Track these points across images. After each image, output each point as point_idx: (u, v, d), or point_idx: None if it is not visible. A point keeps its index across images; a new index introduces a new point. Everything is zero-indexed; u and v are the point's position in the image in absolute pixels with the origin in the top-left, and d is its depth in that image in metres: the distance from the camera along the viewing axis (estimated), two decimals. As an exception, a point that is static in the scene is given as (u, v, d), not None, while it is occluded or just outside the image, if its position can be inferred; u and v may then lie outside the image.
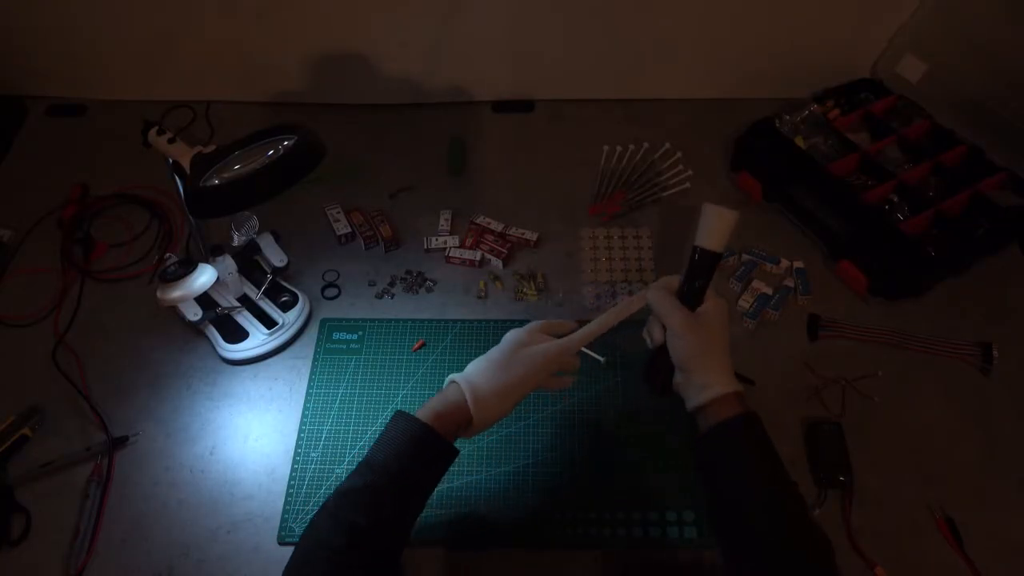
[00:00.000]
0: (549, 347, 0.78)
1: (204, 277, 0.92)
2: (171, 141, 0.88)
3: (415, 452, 0.72)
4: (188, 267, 0.92)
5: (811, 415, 0.92)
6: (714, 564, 0.81)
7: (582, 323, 0.82)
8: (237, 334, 0.99)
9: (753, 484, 0.69)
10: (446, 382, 0.78)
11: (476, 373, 0.77)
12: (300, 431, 0.92)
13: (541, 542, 0.84)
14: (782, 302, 1.02)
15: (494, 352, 0.79)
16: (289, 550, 0.82)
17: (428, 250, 1.10)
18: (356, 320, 1.03)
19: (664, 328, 0.77)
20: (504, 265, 1.08)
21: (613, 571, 0.82)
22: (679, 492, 0.86)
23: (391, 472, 0.71)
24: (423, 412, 0.74)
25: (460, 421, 0.75)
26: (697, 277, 0.77)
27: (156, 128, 0.89)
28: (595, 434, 0.91)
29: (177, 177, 0.89)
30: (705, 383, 0.73)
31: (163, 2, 1.15)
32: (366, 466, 0.72)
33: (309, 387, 0.96)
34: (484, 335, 1.01)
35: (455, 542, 0.83)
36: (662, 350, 0.77)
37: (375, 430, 0.92)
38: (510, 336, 0.80)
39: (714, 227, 0.77)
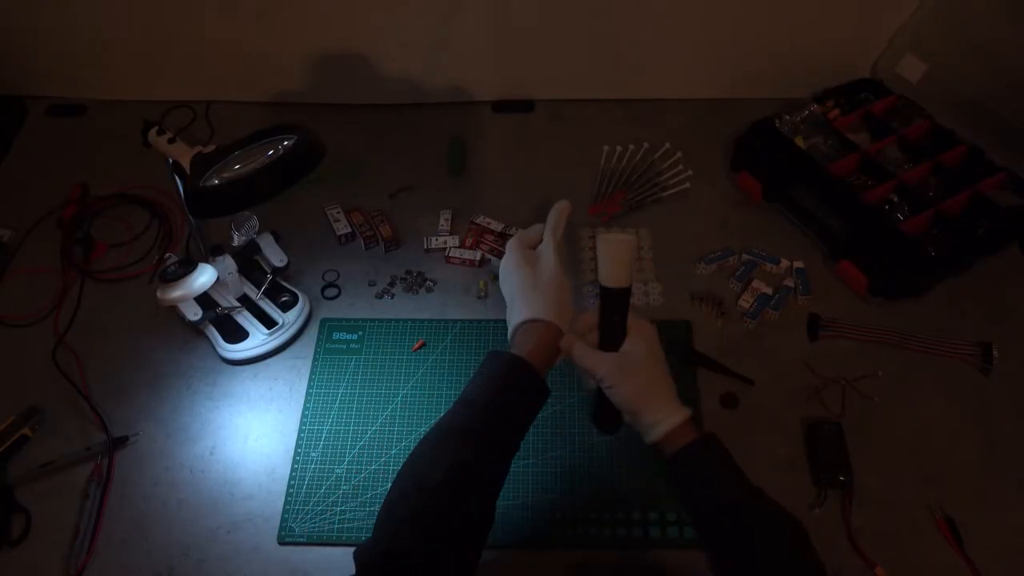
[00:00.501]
0: (554, 259, 0.80)
1: (204, 277, 0.92)
2: (171, 141, 0.88)
3: (511, 385, 0.73)
4: (188, 267, 0.92)
5: (811, 415, 0.92)
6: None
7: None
8: (237, 334, 0.99)
9: (726, 498, 0.69)
10: (510, 331, 0.78)
11: (528, 304, 0.77)
12: (300, 431, 0.92)
13: (541, 542, 0.84)
14: (782, 302, 1.02)
15: (520, 284, 0.79)
16: (289, 550, 0.84)
17: (428, 250, 1.10)
18: (356, 320, 1.03)
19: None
20: (504, 265, 1.08)
21: (613, 571, 0.82)
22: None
23: (491, 408, 0.71)
24: (516, 348, 0.75)
25: (548, 350, 0.75)
26: (612, 313, 0.75)
27: (156, 128, 0.89)
28: (595, 434, 0.91)
29: (177, 177, 0.89)
30: (655, 420, 0.72)
31: (163, 2, 1.15)
32: (464, 404, 0.72)
33: (309, 387, 0.96)
34: (484, 335, 1.01)
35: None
36: (599, 395, 0.76)
37: (375, 430, 0.92)
38: (515, 266, 0.80)
39: (613, 260, 0.74)
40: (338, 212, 1.14)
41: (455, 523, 0.67)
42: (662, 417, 0.72)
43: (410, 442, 0.91)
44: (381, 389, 0.96)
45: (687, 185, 1.17)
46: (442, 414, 0.73)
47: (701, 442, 0.71)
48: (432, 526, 0.66)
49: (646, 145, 1.23)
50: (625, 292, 0.75)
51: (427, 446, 0.71)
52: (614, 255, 0.74)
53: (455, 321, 1.02)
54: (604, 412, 0.77)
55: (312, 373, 0.98)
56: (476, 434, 0.70)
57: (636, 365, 0.74)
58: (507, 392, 0.72)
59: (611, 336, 0.76)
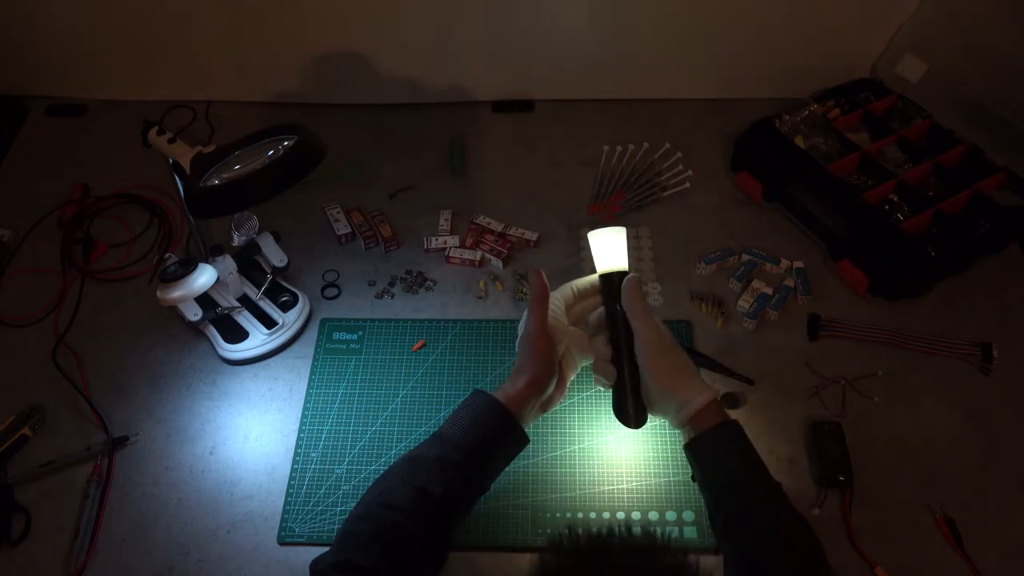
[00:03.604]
0: (529, 318, 0.79)
1: (204, 277, 0.92)
2: (171, 141, 0.88)
3: (494, 431, 0.74)
4: (188, 267, 0.92)
5: (811, 415, 0.92)
6: (713, 565, 0.81)
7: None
8: (237, 334, 0.99)
9: (748, 493, 0.71)
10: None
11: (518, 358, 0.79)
12: (300, 431, 0.92)
13: (541, 543, 0.84)
14: (782, 302, 1.02)
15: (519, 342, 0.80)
16: (289, 550, 0.84)
17: (428, 250, 1.10)
18: (356, 320, 1.03)
19: (615, 367, 0.78)
20: (504, 265, 1.08)
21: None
22: (679, 492, 0.86)
23: (469, 449, 0.72)
24: (500, 392, 0.76)
25: (532, 397, 0.76)
26: (616, 301, 0.79)
27: (156, 128, 0.89)
28: (595, 434, 0.91)
29: (177, 177, 0.89)
30: (686, 398, 0.74)
31: (163, 2, 1.15)
32: (442, 439, 0.73)
33: (309, 387, 0.96)
34: (484, 335, 1.01)
35: (452, 542, 0.83)
36: (620, 386, 0.79)
37: (375, 430, 0.92)
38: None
39: (605, 247, 0.79)
40: (338, 212, 1.14)
41: (414, 546, 0.68)
42: (693, 394, 0.74)
43: (410, 442, 0.91)
44: (381, 389, 0.96)
45: (687, 185, 1.17)
46: (425, 435, 0.75)
47: (726, 427, 0.74)
48: (392, 545, 0.67)
49: (646, 145, 1.23)
50: (623, 277, 0.78)
51: (397, 470, 0.72)
52: (606, 242, 0.79)
53: (455, 321, 1.02)
54: (629, 404, 0.79)
55: (312, 373, 0.98)
56: (449, 468, 0.71)
57: (656, 348, 0.76)
58: (489, 437, 0.74)
59: (618, 322, 0.78)
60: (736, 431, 0.74)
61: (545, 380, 0.77)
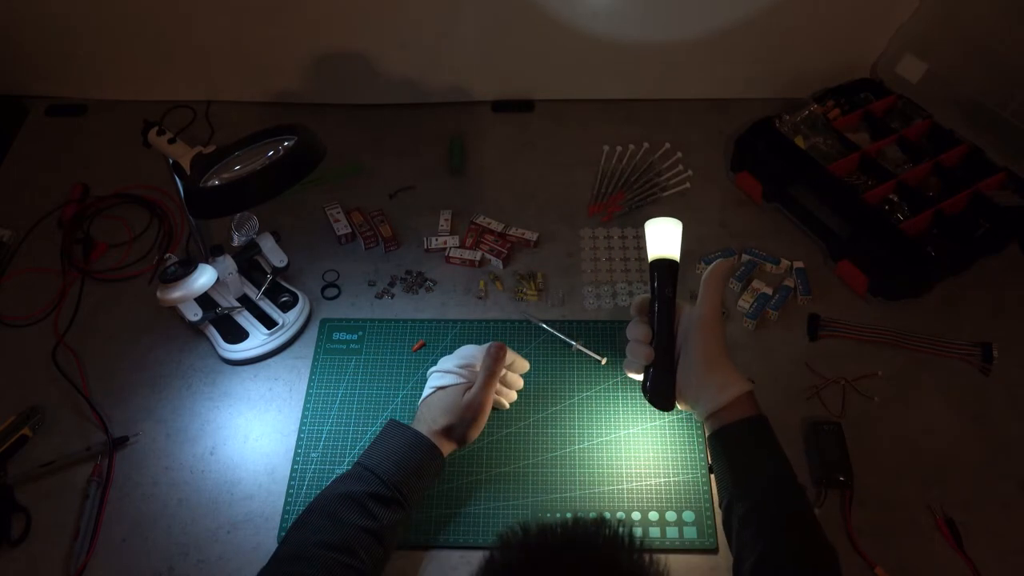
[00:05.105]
0: (482, 390, 0.84)
1: (204, 277, 0.92)
2: (171, 141, 0.88)
3: (422, 468, 0.78)
4: (188, 267, 0.92)
5: (811, 415, 0.92)
6: (713, 565, 0.81)
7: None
8: (237, 334, 0.99)
9: (771, 484, 0.72)
10: (427, 394, 0.86)
11: (450, 411, 0.83)
12: (300, 431, 0.92)
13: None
14: (782, 302, 1.02)
15: (454, 392, 0.84)
16: (289, 550, 0.84)
17: (428, 250, 1.10)
18: (356, 320, 1.03)
19: (653, 347, 0.81)
20: (504, 265, 1.08)
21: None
22: (679, 492, 0.86)
23: (396, 483, 0.75)
24: (425, 428, 0.81)
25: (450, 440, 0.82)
26: (665, 287, 0.83)
27: (156, 128, 0.89)
28: (595, 434, 0.91)
29: (177, 177, 0.89)
30: (724, 383, 0.75)
31: (163, 2, 1.15)
32: (371, 473, 0.76)
33: (309, 387, 0.96)
34: (484, 335, 1.01)
35: (453, 542, 0.83)
36: (659, 367, 0.81)
37: (375, 430, 0.92)
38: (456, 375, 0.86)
39: (663, 238, 0.84)
40: (338, 212, 1.14)
41: None
42: (733, 381, 0.75)
43: (410, 442, 0.91)
44: (381, 389, 0.96)
45: (687, 185, 1.17)
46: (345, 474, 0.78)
47: (758, 419, 0.75)
48: None
49: (646, 145, 1.23)
50: (674, 265, 0.83)
51: (330, 509, 0.74)
52: (662, 231, 0.84)
53: (455, 321, 1.02)
54: (661, 389, 0.81)
55: (312, 373, 0.98)
56: (385, 503, 0.74)
57: (711, 330, 0.78)
58: (420, 472, 0.78)
59: (667, 309, 0.82)
60: (766, 424, 0.75)
61: (471, 439, 0.83)
